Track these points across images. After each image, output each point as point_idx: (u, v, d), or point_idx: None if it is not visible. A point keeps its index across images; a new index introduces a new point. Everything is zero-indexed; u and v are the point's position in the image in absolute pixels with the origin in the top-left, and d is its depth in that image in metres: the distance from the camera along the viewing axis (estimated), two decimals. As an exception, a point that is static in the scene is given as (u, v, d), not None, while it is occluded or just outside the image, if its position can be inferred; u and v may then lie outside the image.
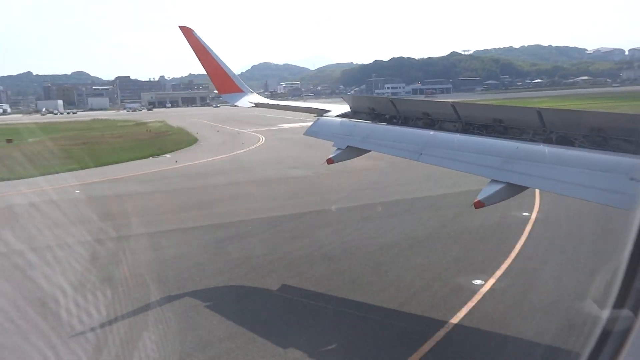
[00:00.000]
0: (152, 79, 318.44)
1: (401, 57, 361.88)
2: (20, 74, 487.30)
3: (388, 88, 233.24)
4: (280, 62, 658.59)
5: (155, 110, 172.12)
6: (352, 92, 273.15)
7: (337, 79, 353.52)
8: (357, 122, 9.37)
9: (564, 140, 5.88)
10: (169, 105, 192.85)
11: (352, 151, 8.59)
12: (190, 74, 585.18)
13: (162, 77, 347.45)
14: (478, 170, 6.26)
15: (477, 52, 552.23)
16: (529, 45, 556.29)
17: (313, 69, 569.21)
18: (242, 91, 13.06)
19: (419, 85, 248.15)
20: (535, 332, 8.95)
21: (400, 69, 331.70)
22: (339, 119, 9.78)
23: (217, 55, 12.35)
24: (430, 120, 7.96)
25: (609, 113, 6.11)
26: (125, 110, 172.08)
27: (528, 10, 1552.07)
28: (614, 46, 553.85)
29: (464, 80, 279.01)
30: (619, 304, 2.32)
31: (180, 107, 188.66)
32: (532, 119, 6.27)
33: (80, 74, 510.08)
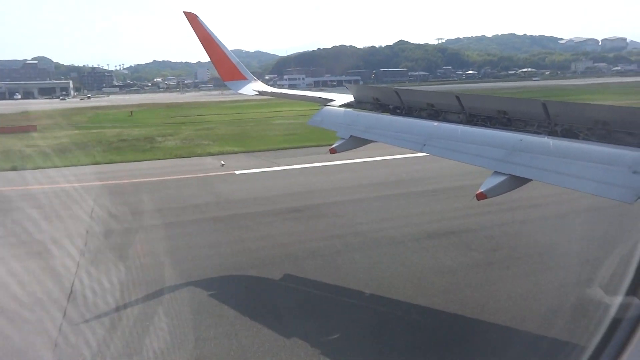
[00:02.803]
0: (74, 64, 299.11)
1: (343, 45, 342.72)
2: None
3: (286, 79, 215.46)
4: (252, 50, 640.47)
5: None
6: (271, 82, 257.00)
7: (272, 66, 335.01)
8: (360, 112, 9.21)
9: (569, 133, 5.83)
10: (18, 96, 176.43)
11: (355, 141, 8.49)
12: (154, 61, 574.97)
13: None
14: (481, 162, 6.18)
15: (449, 40, 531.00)
16: (502, 34, 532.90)
17: (284, 55, 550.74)
18: (246, 79, 12.53)
19: (324, 77, 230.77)
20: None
21: (339, 57, 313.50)
22: (343, 109, 9.62)
23: (221, 43, 11.85)
24: (434, 111, 7.85)
25: (613, 106, 6.02)
26: None
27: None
28: (588, 36, 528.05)
29: (386, 72, 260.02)
30: (631, 291, 2.32)
31: (35, 98, 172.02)
32: (537, 111, 6.17)
33: (41, 59, 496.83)
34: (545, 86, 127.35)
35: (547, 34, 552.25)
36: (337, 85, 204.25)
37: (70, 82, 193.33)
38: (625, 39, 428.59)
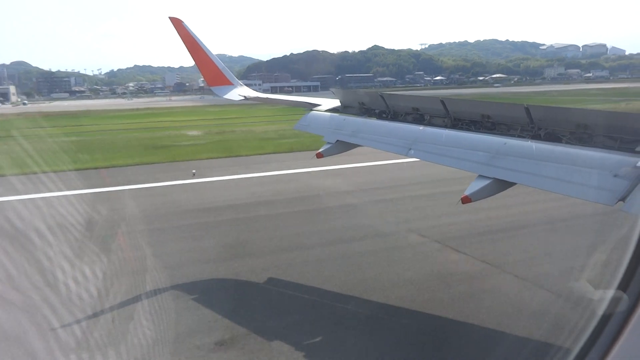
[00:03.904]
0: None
1: (315, 50, 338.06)
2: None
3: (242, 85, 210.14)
4: (236, 55, 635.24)
5: None
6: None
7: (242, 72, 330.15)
8: (346, 117, 9.26)
9: (552, 137, 5.95)
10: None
11: (341, 145, 8.62)
12: (135, 65, 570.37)
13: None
14: (466, 166, 6.28)
15: (431, 46, 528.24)
16: (484, 40, 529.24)
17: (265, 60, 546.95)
18: (232, 84, 12.38)
19: (282, 83, 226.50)
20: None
21: (311, 62, 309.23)
22: (329, 114, 9.69)
23: (207, 47, 11.79)
24: (419, 115, 7.99)
25: (594, 110, 6.13)
26: None
27: (488, 4, 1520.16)
28: (570, 42, 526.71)
29: (352, 77, 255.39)
30: (620, 287, 2.39)
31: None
32: (520, 115, 6.29)
33: (19, 64, 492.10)
34: (494, 93, 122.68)
35: (530, 40, 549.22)
36: (292, 91, 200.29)
37: (11, 87, 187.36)
38: (605, 45, 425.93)
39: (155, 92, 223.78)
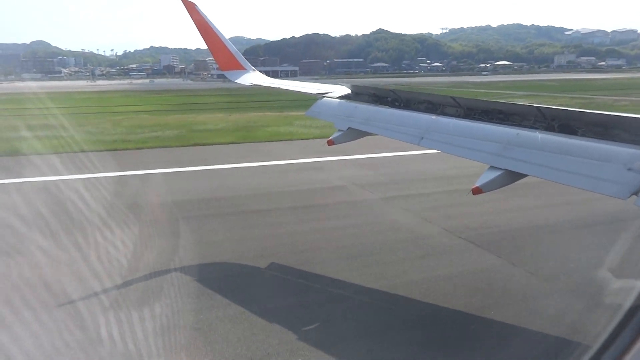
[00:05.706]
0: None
1: (316, 33, 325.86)
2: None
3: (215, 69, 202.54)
4: (253, 37, 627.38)
5: None
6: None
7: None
8: (358, 104, 9.12)
9: (566, 129, 5.85)
10: None
11: (352, 133, 8.51)
12: (151, 47, 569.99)
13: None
14: (477, 156, 6.17)
15: (452, 30, 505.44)
16: (508, 24, 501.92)
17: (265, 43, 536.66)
18: (244, 69, 12.09)
19: (271, 67, 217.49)
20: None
21: (309, 46, 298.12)
22: (340, 100, 9.63)
23: (220, 32, 11.72)
24: (431, 105, 7.94)
25: (609, 114, 5.70)
26: None
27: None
28: (599, 27, 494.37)
29: (342, 62, 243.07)
30: None
31: None
32: (532, 114, 6.27)
33: (39, 43, 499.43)
34: (459, 82, 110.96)
35: (557, 25, 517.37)
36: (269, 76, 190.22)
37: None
38: (635, 31, 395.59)
39: (130, 75, 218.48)
